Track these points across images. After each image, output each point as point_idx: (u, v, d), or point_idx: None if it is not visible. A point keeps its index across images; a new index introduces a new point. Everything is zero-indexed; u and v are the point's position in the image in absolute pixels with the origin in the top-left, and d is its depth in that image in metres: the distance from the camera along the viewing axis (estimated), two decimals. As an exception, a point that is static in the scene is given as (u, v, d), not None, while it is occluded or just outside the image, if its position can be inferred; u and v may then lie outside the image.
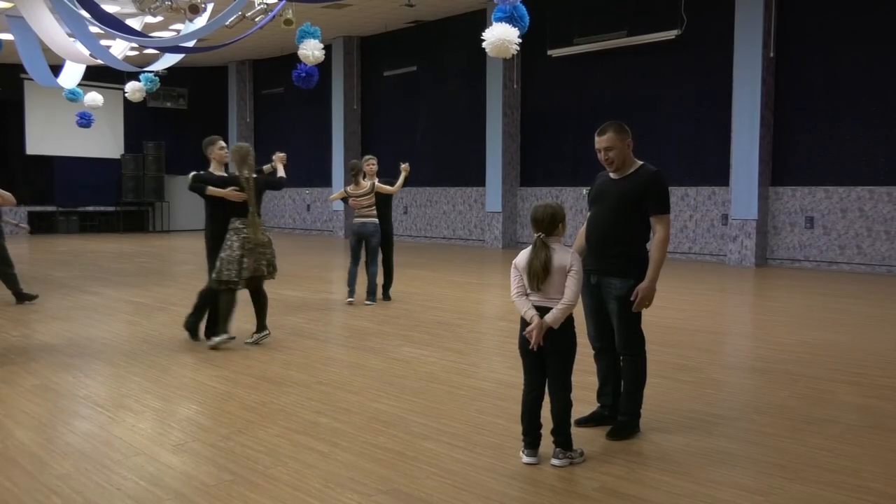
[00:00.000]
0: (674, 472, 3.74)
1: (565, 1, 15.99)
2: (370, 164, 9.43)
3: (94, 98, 13.95)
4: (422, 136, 19.73)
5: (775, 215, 13.63)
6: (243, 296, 6.90)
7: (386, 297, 9.43)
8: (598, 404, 4.52)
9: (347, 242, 9.25)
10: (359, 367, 5.98)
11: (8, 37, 11.71)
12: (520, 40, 5.73)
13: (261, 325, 6.86)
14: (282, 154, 7.30)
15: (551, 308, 3.81)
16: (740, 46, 13.48)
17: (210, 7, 9.43)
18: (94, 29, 9.37)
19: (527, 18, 5.76)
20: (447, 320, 8.12)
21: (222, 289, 6.65)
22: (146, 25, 11.09)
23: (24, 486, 3.57)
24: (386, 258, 9.52)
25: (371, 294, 9.14)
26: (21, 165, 23.15)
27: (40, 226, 22.88)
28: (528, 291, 3.88)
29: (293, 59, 9.70)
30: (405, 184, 9.59)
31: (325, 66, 13.79)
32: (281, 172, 7.24)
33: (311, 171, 22.75)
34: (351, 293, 9.14)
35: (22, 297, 9.27)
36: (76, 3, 8.17)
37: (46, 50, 10.59)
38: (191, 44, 10.00)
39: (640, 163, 4.32)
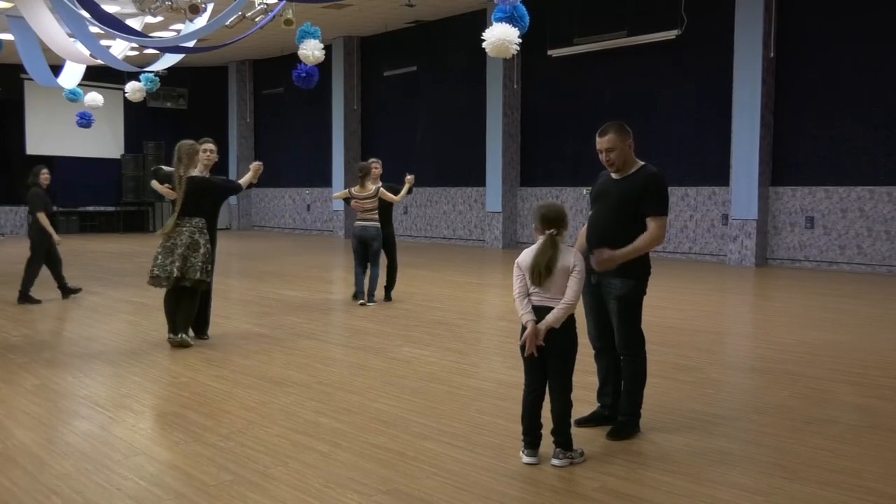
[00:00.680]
0: (674, 472, 3.74)
1: (565, 1, 15.99)
2: (375, 166, 9.43)
3: (94, 98, 13.95)
4: (422, 136, 19.73)
5: (775, 215, 13.63)
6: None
7: (387, 297, 9.42)
8: (598, 404, 4.51)
9: (348, 244, 9.25)
10: (359, 367, 5.98)
11: (8, 37, 11.71)
12: (520, 40, 5.73)
13: (175, 327, 6.64)
14: (257, 163, 7.03)
15: (551, 307, 3.81)
16: (740, 46, 13.48)
17: (210, 7, 9.44)
18: (94, 29, 9.37)
19: (527, 18, 5.76)
20: (447, 320, 8.12)
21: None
22: (146, 25, 11.09)
23: (24, 486, 3.57)
24: (390, 260, 9.49)
25: (371, 295, 9.13)
26: (21, 165, 23.09)
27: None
28: (530, 290, 3.88)
29: (293, 59, 9.70)
30: (408, 193, 9.57)
31: (325, 66, 13.80)
32: (245, 178, 6.99)
33: (311, 171, 22.76)
34: (360, 295, 9.12)
35: (69, 293, 9.69)
36: (76, 3, 8.17)
37: (46, 50, 10.59)
38: (191, 44, 10.00)
39: (642, 163, 4.31)
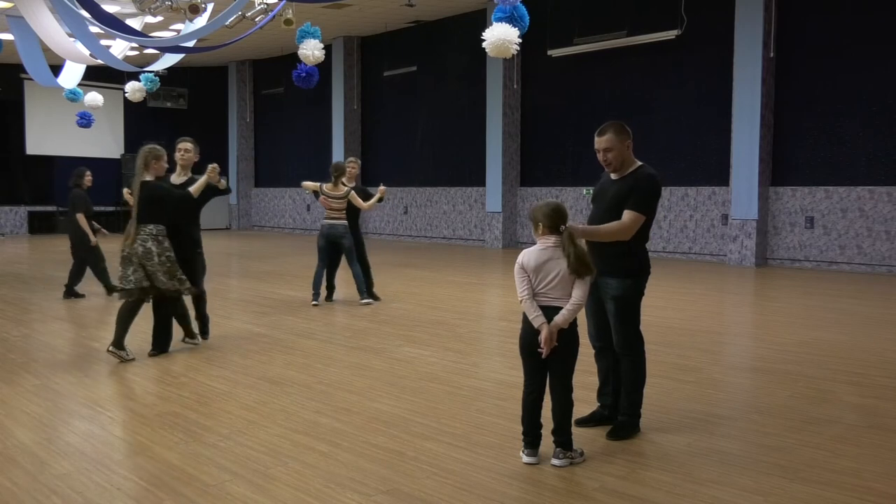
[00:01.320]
0: (674, 472, 3.74)
1: (565, 1, 15.99)
2: (352, 166, 9.41)
3: (94, 98, 13.96)
4: (422, 136, 19.72)
5: (775, 215, 13.63)
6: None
7: (372, 296, 9.36)
8: (598, 404, 4.52)
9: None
10: (359, 367, 5.98)
11: (8, 37, 11.72)
12: (520, 40, 5.73)
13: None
14: (212, 166, 6.45)
15: (558, 307, 3.81)
16: (740, 46, 13.48)
17: (210, 7, 9.44)
18: (94, 29, 9.37)
19: (527, 18, 5.76)
20: (447, 320, 8.12)
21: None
22: (146, 25, 11.09)
23: (24, 486, 3.57)
24: (361, 261, 9.37)
25: (362, 293, 9.09)
26: (21, 165, 23.15)
27: (40, 226, 22.88)
28: (536, 291, 3.87)
29: (293, 59, 9.70)
30: (378, 203, 9.48)
31: (325, 66, 13.81)
32: (196, 185, 6.43)
33: (311, 171, 22.74)
34: (315, 296, 9.04)
35: (112, 290, 9.66)
36: (76, 3, 8.17)
37: (46, 50, 10.60)
38: (191, 44, 10.00)
39: (640, 163, 4.31)
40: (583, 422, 4.36)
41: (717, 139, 14.22)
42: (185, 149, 6.69)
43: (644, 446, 4.13)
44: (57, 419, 4.70)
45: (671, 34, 14.13)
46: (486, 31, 5.70)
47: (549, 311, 3.82)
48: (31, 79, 13.34)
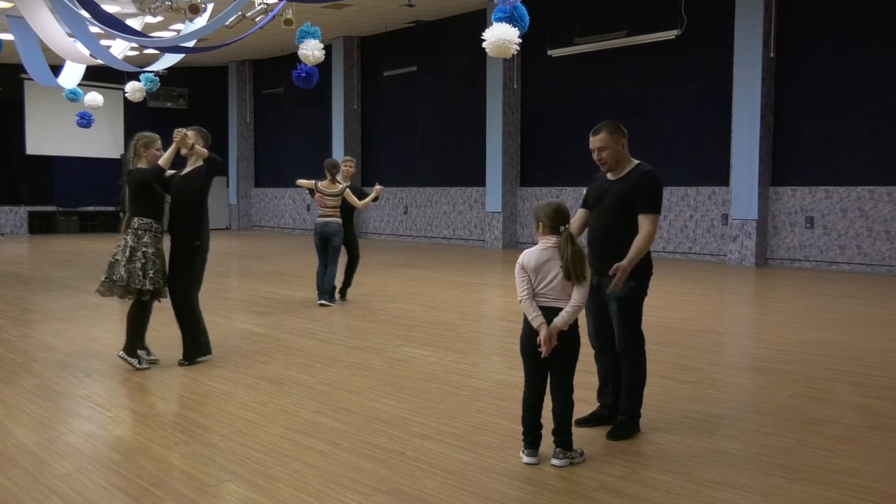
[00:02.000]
0: (674, 472, 3.74)
1: (565, 1, 15.99)
2: (348, 165, 9.40)
3: (94, 98, 13.96)
4: (422, 136, 19.72)
5: (775, 215, 13.63)
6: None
7: (343, 297, 9.35)
8: (598, 404, 4.52)
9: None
10: (359, 367, 5.98)
11: (8, 37, 11.72)
12: (520, 40, 5.73)
13: (127, 345, 5.95)
14: (177, 130, 5.83)
15: (558, 308, 3.81)
16: (740, 46, 13.48)
17: (210, 7, 9.44)
18: (94, 29, 9.37)
19: (527, 18, 5.76)
20: (447, 320, 8.12)
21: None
22: (146, 25, 11.09)
23: (24, 486, 3.57)
24: (351, 261, 9.36)
25: (322, 294, 8.96)
26: (21, 165, 23.16)
27: (40, 226, 22.89)
28: (536, 291, 3.87)
29: (293, 59, 9.70)
30: (373, 202, 9.47)
31: (325, 66, 13.80)
32: (165, 155, 5.79)
33: (311, 172, 22.70)
34: (321, 295, 9.01)
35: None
36: (76, 3, 8.17)
37: (46, 50, 10.60)
38: (191, 44, 10.01)
39: (637, 162, 4.32)
40: (583, 422, 4.36)
41: (717, 139, 14.22)
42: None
43: (644, 446, 4.13)
44: (57, 419, 4.69)
45: (671, 34, 14.13)
46: (486, 31, 5.69)
47: (549, 312, 3.82)
48: (31, 79, 13.35)
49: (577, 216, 4.46)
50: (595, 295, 4.29)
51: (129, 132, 24.01)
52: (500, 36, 5.63)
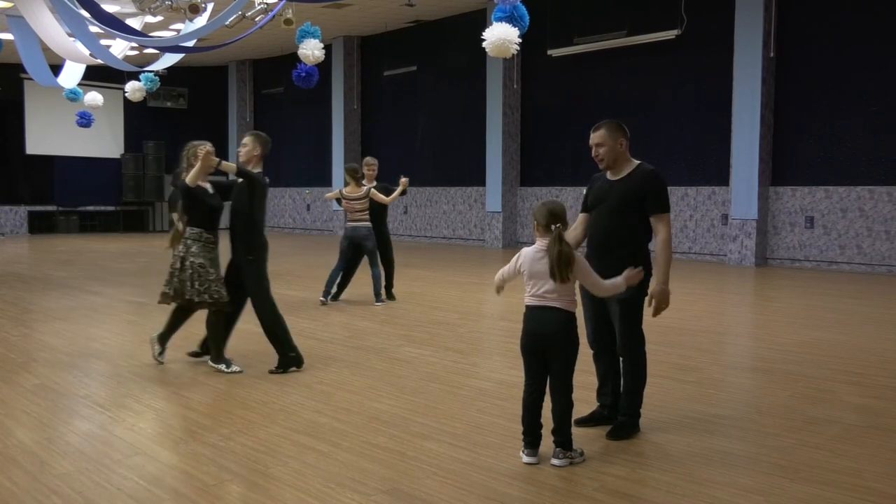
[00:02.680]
0: (674, 471, 3.74)
1: (565, 1, 15.99)
2: (371, 168, 9.38)
3: (94, 98, 13.96)
4: (422, 136, 19.72)
5: (775, 215, 13.63)
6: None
7: (390, 296, 9.38)
8: (598, 404, 4.52)
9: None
10: (359, 367, 5.98)
11: (8, 37, 11.72)
12: (520, 40, 5.73)
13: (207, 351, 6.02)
14: (192, 143, 5.81)
15: (551, 307, 3.82)
16: (740, 46, 13.48)
17: (210, 7, 9.45)
18: (94, 29, 9.37)
19: (527, 18, 5.76)
20: (447, 320, 8.12)
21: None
22: (146, 25, 11.09)
23: (24, 486, 3.57)
24: (386, 260, 9.42)
25: (378, 295, 9.09)
26: (21, 165, 23.15)
27: (40, 226, 22.89)
28: (527, 291, 3.90)
29: (293, 58, 9.70)
30: (401, 196, 9.49)
31: (325, 66, 13.79)
32: (191, 174, 5.77)
33: (311, 171, 22.75)
34: (325, 293, 9.04)
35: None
36: (76, 2, 8.17)
37: (46, 50, 10.60)
38: (191, 44, 10.01)
39: (638, 162, 4.31)
40: (582, 422, 4.36)
41: (717, 139, 14.21)
42: (243, 143, 5.97)
43: (644, 446, 4.13)
44: (57, 419, 4.69)
45: (671, 34, 14.13)
46: (486, 30, 5.69)
47: (543, 311, 3.84)
48: (31, 79, 13.35)
49: (578, 222, 4.46)
50: (594, 296, 4.29)
51: (129, 132, 24.13)
52: (500, 36, 5.63)
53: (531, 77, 17.32)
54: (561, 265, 3.75)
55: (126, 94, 13.39)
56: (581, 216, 4.48)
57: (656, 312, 4.17)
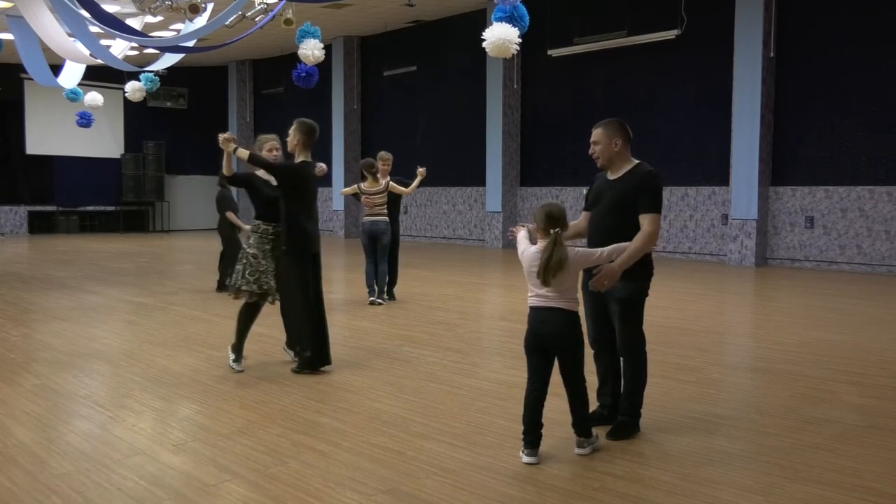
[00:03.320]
0: (674, 472, 3.74)
1: (565, 1, 15.99)
2: (386, 163, 9.38)
3: (94, 98, 13.95)
4: (422, 136, 19.73)
5: (775, 215, 13.63)
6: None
7: (391, 296, 9.39)
8: (598, 404, 4.52)
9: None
10: (359, 367, 5.98)
11: (8, 37, 11.72)
12: (520, 40, 5.73)
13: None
14: (221, 136, 5.74)
15: (555, 307, 3.85)
16: (740, 46, 13.48)
17: (210, 7, 9.45)
18: (94, 29, 9.38)
19: (527, 18, 5.76)
20: (447, 320, 8.12)
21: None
22: (146, 25, 11.09)
23: (24, 486, 3.57)
24: (391, 258, 9.43)
25: (381, 293, 9.11)
26: (21, 165, 23.16)
27: (40, 226, 22.89)
28: (529, 291, 3.92)
29: (293, 58, 9.70)
30: (420, 186, 9.51)
31: (325, 66, 13.80)
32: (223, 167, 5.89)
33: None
34: (372, 292, 9.07)
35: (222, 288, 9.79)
36: (76, 2, 8.17)
37: (46, 50, 10.60)
38: (191, 44, 10.02)
39: (636, 162, 4.31)
40: (583, 422, 4.37)
41: (717, 139, 14.22)
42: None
43: (644, 446, 4.13)
44: (57, 419, 4.69)
45: (671, 34, 14.14)
46: (486, 30, 5.69)
47: (545, 312, 3.86)
48: (31, 79, 13.35)
49: (580, 219, 4.49)
50: (595, 295, 4.29)
51: (129, 132, 24.13)
52: (500, 36, 5.63)
53: (531, 77, 17.33)
54: (549, 270, 3.77)
55: (126, 94, 13.38)
56: (583, 214, 4.50)
57: (594, 286, 4.03)
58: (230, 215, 10.02)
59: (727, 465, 3.83)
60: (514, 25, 5.66)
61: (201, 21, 9.29)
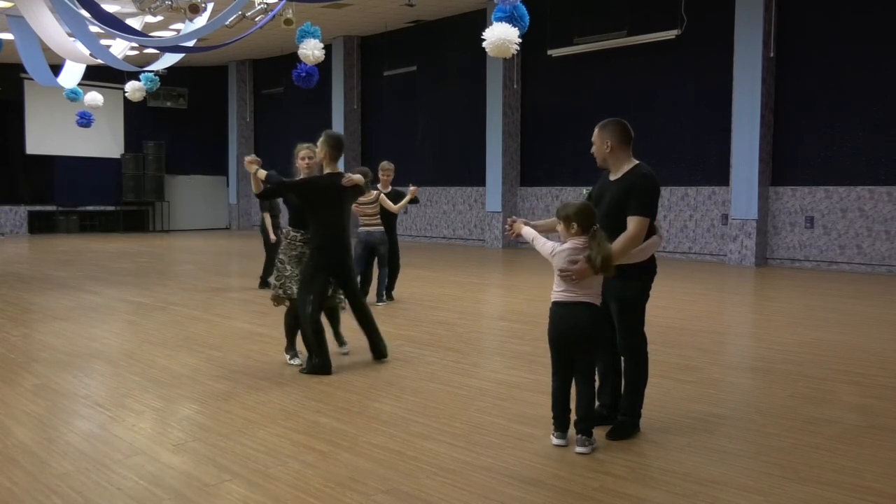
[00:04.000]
0: (674, 472, 3.74)
1: (565, 1, 15.99)
2: (387, 173, 9.35)
3: (94, 98, 13.96)
4: (422, 136, 19.73)
5: (775, 215, 13.63)
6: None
7: (389, 297, 9.40)
8: (598, 404, 4.51)
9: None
10: (359, 367, 5.98)
11: (8, 37, 11.72)
12: (520, 40, 5.73)
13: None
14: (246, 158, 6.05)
15: (581, 302, 3.97)
16: (740, 46, 13.48)
17: (210, 7, 9.45)
18: (94, 28, 9.38)
19: (527, 18, 5.76)
20: (447, 320, 8.12)
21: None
22: (146, 25, 11.10)
23: (24, 486, 3.57)
24: (392, 267, 9.40)
25: (379, 295, 9.12)
26: (21, 165, 23.16)
27: (40, 226, 22.90)
28: (555, 287, 4.05)
29: (293, 58, 9.70)
30: (410, 204, 9.49)
31: (325, 66, 13.80)
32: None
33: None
34: (380, 295, 9.09)
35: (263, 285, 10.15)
36: (76, 2, 8.17)
37: (46, 50, 10.60)
38: (191, 44, 10.02)
39: (636, 163, 4.28)
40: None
41: (717, 139, 14.22)
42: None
43: (644, 446, 4.13)
44: (57, 419, 4.69)
45: (671, 34, 14.14)
46: (486, 30, 5.69)
47: (573, 307, 3.97)
48: (31, 79, 13.35)
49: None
50: (596, 296, 4.30)
51: (129, 132, 24.14)
52: (500, 36, 5.63)
53: (531, 77, 17.33)
54: (606, 265, 3.90)
55: (126, 94, 13.39)
56: None
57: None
58: (266, 217, 10.18)
59: (727, 465, 3.83)
60: (514, 25, 5.67)
61: (201, 21, 9.29)
